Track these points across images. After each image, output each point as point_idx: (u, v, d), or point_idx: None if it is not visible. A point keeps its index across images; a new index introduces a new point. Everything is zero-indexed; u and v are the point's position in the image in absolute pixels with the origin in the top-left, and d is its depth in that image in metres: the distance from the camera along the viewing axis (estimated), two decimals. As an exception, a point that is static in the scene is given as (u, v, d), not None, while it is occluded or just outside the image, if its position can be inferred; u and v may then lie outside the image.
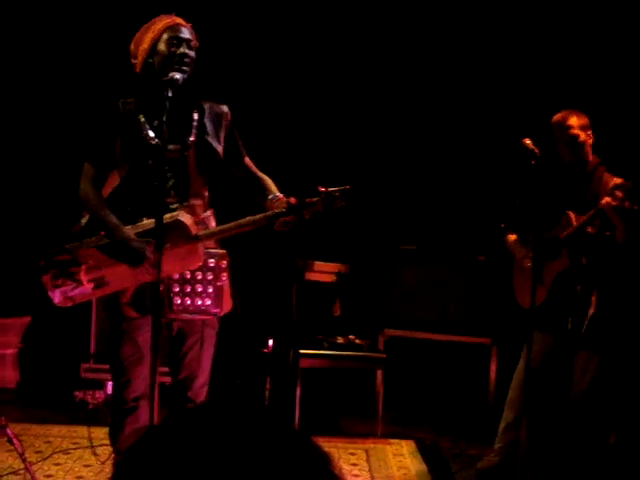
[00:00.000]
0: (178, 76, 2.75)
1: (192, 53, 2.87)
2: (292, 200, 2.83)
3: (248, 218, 2.86)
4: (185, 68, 2.83)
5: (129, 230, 2.84)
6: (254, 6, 5.56)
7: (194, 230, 2.84)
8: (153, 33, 2.85)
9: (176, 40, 2.83)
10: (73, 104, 5.40)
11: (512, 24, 5.42)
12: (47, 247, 2.92)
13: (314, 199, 2.81)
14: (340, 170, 5.63)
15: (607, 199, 3.51)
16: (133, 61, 2.91)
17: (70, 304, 2.95)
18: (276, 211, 2.86)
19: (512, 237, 4.09)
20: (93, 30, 5.42)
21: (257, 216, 2.86)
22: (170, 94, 2.68)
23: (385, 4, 5.59)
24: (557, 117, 3.82)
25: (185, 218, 2.83)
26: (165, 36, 2.84)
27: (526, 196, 3.70)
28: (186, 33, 2.88)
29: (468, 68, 5.56)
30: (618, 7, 5.15)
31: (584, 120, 3.82)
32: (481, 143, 5.54)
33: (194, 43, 2.90)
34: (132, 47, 2.91)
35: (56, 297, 2.92)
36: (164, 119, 2.63)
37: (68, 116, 5.41)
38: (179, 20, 2.91)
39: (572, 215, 3.76)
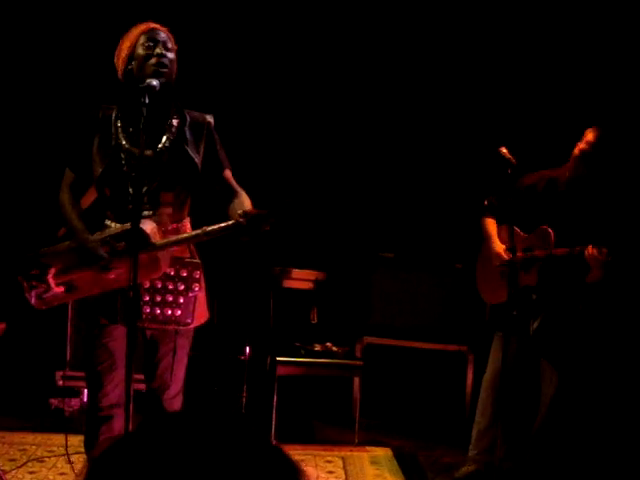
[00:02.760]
0: (155, 82, 2.73)
1: (170, 54, 2.86)
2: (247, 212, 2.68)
3: (203, 228, 2.75)
4: (163, 70, 2.81)
5: (96, 235, 2.84)
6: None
7: (154, 239, 2.75)
8: (130, 41, 2.87)
9: (152, 42, 2.84)
10: (61, 108, 5.35)
11: (490, 35, 5.46)
12: (26, 249, 2.95)
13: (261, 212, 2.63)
14: (318, 177, 5.65)
15: (594, 250, 3.62)
16: (118, 72, 2.91)
17: (45, 307, 2.93)
18: (228, 223, 2.70)
19: (491, 223, 4.11)
20: (88, 34, 5.38)
21: (211, 227, 2.73)
22: (147, 100, 2.67)
23: (361, 15, 5.61)
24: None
25: (146, 226, 2.72)
26: (142, 40, 2.85)
27: (503, 197, 3.82)
28: (162, 36, 2.88)
29: (444, 77, 5.59)
30: (599, 15, 5.20)
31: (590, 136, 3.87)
32: (458, 151, 5.56)
33: (171, 45, 2.90)
34: (115, 59, 2.92)
35: (32, 298, 2.92)
36: (140, 126, 2.62)
37: (51, 121, 5.38)
38: (155, 25, 2.91)
39: (551, 233, 3.81)
